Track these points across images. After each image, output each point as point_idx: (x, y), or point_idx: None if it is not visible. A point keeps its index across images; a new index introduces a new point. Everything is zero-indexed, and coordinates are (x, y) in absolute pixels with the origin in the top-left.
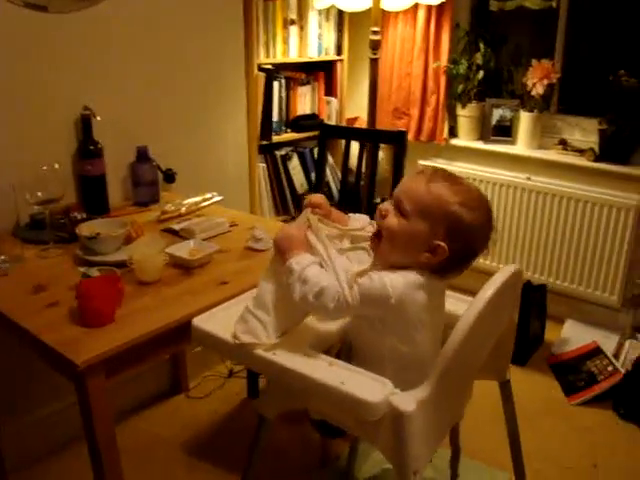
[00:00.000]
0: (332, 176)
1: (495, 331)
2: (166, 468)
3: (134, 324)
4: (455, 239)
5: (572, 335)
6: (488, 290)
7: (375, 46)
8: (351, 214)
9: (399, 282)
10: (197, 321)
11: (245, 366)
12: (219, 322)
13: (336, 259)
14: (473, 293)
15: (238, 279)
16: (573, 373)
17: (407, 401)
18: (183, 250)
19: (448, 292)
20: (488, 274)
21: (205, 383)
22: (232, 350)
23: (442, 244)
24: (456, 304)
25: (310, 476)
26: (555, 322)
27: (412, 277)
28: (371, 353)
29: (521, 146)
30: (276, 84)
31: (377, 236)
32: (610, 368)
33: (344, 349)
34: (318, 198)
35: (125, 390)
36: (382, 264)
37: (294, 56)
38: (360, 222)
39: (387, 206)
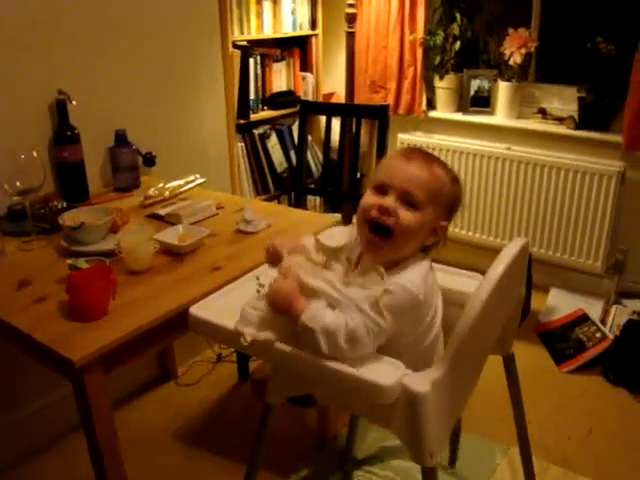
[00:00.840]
0: (311, 153)
1: (506, 307)
2: (162, 458)
3: (129, 316)
4: (451, 215)
5: (558, 303)
6: (499, 266)
7: (351, 19)
8: (314, 236)
9: (416, 278)
10: (194, 309)
11: (251, 354)
12: (217, 309)
13: (348, 290)
14: (466, 267)
15: (231, 264)
16: (562, 341)
17: (421, 382)
18: (172, 236)
19: (450, 269)
20: (473, 246)
21: (194, 369)
22: (234, 338)
23: (444, 223)
24: (460, 281)
25: (309, 457)
26: (540, 291)
27: (421, 268)
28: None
29: (500, 116)
30: (252, 61)
31: (381, 235)
32: (598, 334)
33: None
34: (277, 242)
35: (114, 380)
36: (386, 262)
37: (268, 32)
38: (336, 237)
39: (391, 202)
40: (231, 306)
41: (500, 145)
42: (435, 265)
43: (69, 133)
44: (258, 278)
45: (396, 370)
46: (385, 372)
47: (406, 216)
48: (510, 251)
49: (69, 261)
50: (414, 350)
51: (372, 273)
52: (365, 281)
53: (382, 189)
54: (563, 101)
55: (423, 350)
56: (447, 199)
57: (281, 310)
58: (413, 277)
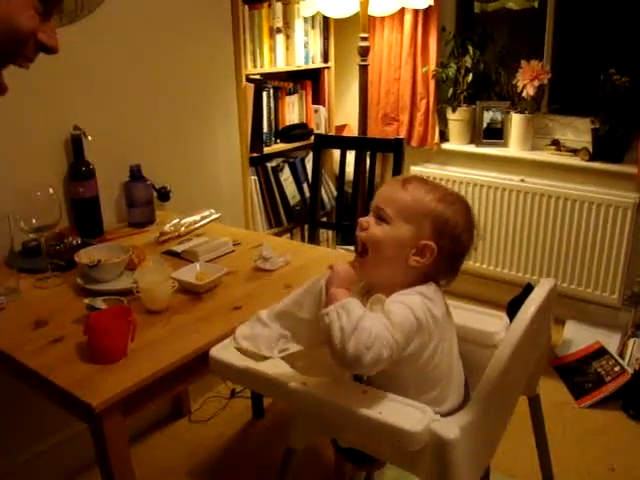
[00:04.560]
0: (324, 186)
1: (536, 349)
2: None
3: (148, 358)
4: (441, 235)
5: (574, 336)
6: (530, 307)
7: (364, 52)
8: None
9: (415, 299)
10: (215, 351)
11: (274, 398)
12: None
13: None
14: (482, 300)
15: (251, 303)
16: (579, 375)
17: (450, 427)
18: (190, 274)
19: (471, 307)
20: (488, 278)
21: (207, 405)
22: (257, 382)
23: (429, 243)
24: (484, 320)
25: None
26: (556, 324)
27: (421, 292)
28: (392, 383)
29: (513, 148)
30: (265, 94)
31: (362, 253)
32: (617, 368)
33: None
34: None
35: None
36: (374, 282)
37: (281, 65)
38: None
39: (367, 218)
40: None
41: (514, 177)
42: (456, 303)
43: (84, 168)
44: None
45: (423, 415)
46: (412, 417)
47: (374, 229)
48: (540, 292)
49: (86, 301)
50: (419, 383)
51: (373, 299)
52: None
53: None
54: (577, 132)
55: (429, 384)
56: (428, 216)
57: (333, 284)
58: (411, 298)
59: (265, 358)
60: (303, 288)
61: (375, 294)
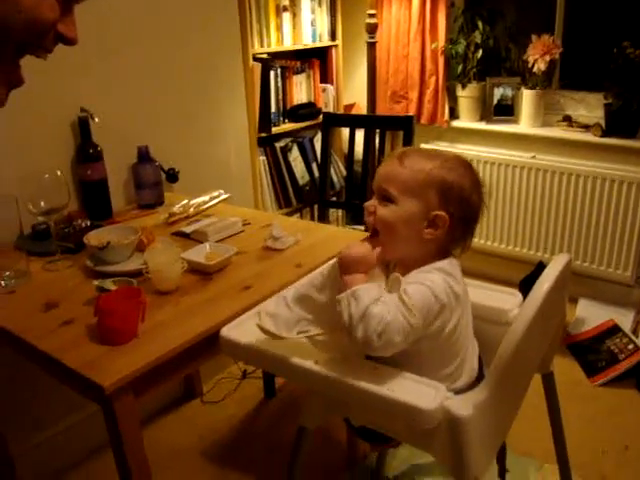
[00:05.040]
0: (333, 166)
1: (550, 325)
2: (190, 478)
3: (159, 339)
4: (449, 202)
5: (587, 314)
6: (544, 284)
7: (372, 29)
8: None
9: (435, 277)
10: (226, 331)
11: (284, 377)
12: (249, 330)
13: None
14: (494, 279)
15: (261, 282)
16: (593, 353)
17: (464, 405)
18: (199, 255)
19: (484, 284)
20: (499, 257)
21: (219, 386)
22: (267, 361)
23: (440, 212)
24: (497, 297)
25: (339, 477)
26: (569, 302)
27: (441, 269)
28: (407, 360)
29: (524, 125)
30: (272, 74)
31: (373, 234)
32: (631, 346)
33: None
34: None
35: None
36: (393, 260)
37: (288, 44)
38: None
39: (372, 202)
40: None
41: (525, 154)
42: (468, 281)
43: (92, 151)
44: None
45: (437, 393)
46: (426, 395)
47: (382, 211)
48: (555, 268)
49: (96, 282)
50: (435, 359)
51: (391, 279)
52: (389, 288)
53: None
54: (589, 108)
55: (445, 360)
56: (432, 186)
57: (346, 271)
58: (432, 277)
59: (282, 339)
60: (323, 272)
61: (393, 274)
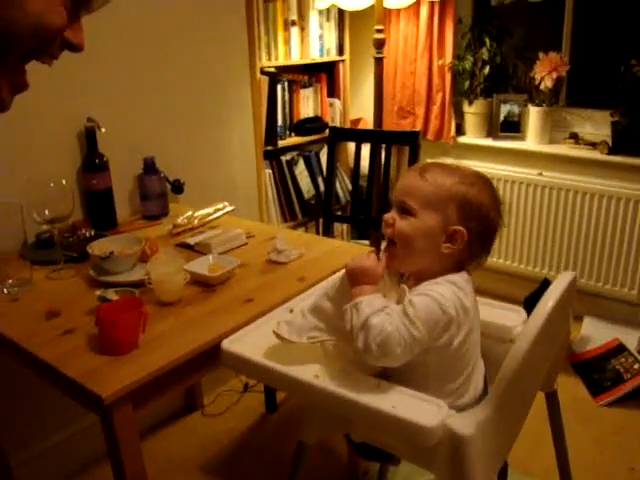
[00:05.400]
0: (339, 180)
1: (554, 343)
2: None
3: (160, 350)
4: (468, 218)
5: (592, 332)
6: (549, 302)
7: (379, 45)
8: None
9: (445, 290)
10: (227, 343)
11: (284, 391)
12: (250, 343)
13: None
14: (498, 296)
15: (263, 295)
16: (598, 372)
17: (466, 423)
18: (202, 266)
19: (491, 302)
20: (504, 273)
21: (220, 399)
22: (267, 374)
23: (459, 227)
24: (502, 314)
25: None
26: (573, 320)
27: (453, 282)
28: (413, 372)
29: (531, 141)
30: (279, 87)
31: (390, 245)
32: (636, 366)
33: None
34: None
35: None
36: (407, 272)
37: (296, 58)
38: None
39: (391, 214)
40: (264, 340)
41: (531, 171)
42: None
43: (98, 161)
44: (291, 311)
45: (438, 410)
46: (427, 412)
47: (401, 224)
48: (559, 285)
49: (98, 292)
50: (440, 375)
51: (399, 291)
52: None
53: (392, 206)
54: (596, 125)
55: (450, 376)
56: (452, 201)
57: (354, 282)
58: (441, 289)
59: (292, 343)
60: (335, 282)
61: (401, 285)
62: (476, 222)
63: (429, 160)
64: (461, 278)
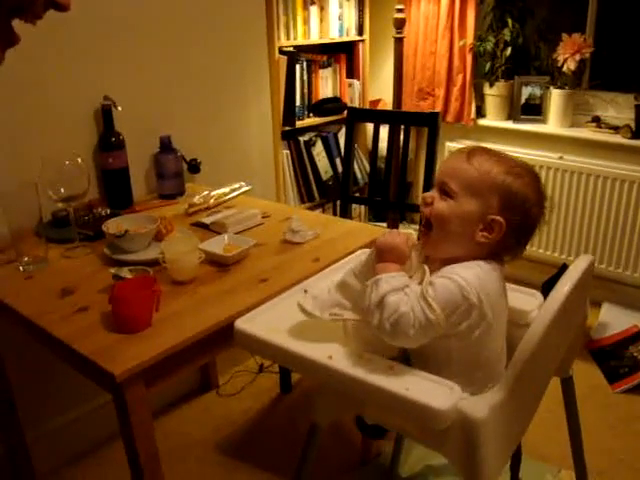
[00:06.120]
0: (357, 161)
1: (570, 328)
2: (203, 471)
3: (173, 328)
4: (509, 210)
5: (610, 319)
6: (565, 285)
7: (400, 25)
8: None
9: (469, 274)
10: (240, 323)
11: (297, 372)
12: (264, 323)
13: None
14: (516, 281)
15: (278, 275)
16: (615, 359)
17: (479, 407)
18: (217, 246)
19: (506, 285)
20: (523, 258)
21: (235, 379)
22: (281, 355)
23: (498, 218)
24: (518, 297)
25: (352, 474)
26: (592, 306)
27: (478, 266)
28: (435, 357)
29: (552, 125)
30: (298, 67)
31: (426, 227)
32: None
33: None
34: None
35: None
36: (437, 258)
37: (315, 37)
38: None
39: (431, 193)
40: (278, 320)
41: (552, 155)
42: None
43: (114, 139)
44: (306, 291)
45: (451, 393)
46: (440, 395)
47: (439, 205)
48: (576, 269)
49: (112, 270)
50: (463, 362)
51: (420, 271)
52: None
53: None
54: (619, 109)
55: (474, 364)
56: (496, 190)
57: (380, 259)
58: (465, 273)
59: (314, 317)
60: (362, 259)
61: (423, 265)
62: (517, 215)
63: (449, 143)
64: (489, 265)
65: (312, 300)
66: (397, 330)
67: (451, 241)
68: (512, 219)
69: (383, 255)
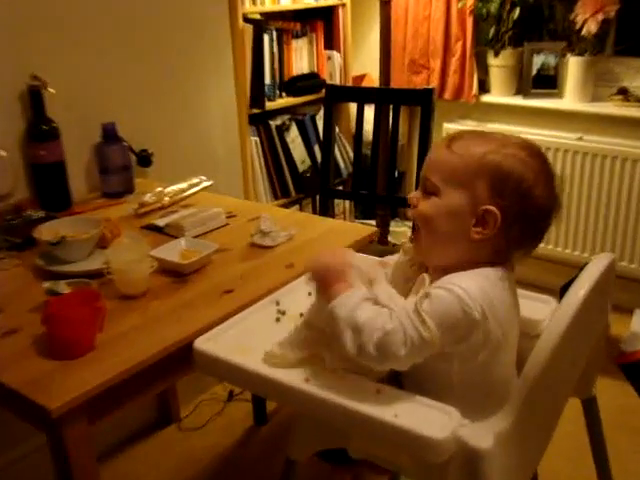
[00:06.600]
0: (339, 148)
1: (589, 340)
2: None
3: (121, 352)
4: (502, 195)
5: None
6: (581, 289)
7: None
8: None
9: (470, 285)
10: (200, 343)
11: (268, 398)
12: (228, 342)
13: (394, 294)
14: (531, 285)
15: (245, 285)
16: None
17: (482, 435)
18: (173, 252)
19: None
20: (538, 258)
21: (200, 410)
22: (248, 379)
23: (489, 207)
24: (529, 305)
25: None
26: (622, 314)
27: (483, 274)
28: (434, 380)
29: (570, 99)
30: (266, 38)
31: (416, 231)
32: None
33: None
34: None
35: (103, 425)
36: (435, 265)
37: (286, 2)
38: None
39: (415, 193)
40: (245, 338)
41: (570, 135)
42: None
43: (46, 127)
44: (278, 303)
45: (449, 419)
46: (435, 421)
47: (422, 205)
48: (593, 271)
49: (46, 284)
50: (464, 384)
51: (417, 281)
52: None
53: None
54: None
55: (476, 385)
56: (482, 175)
57: (320, 284)
58: (465, 283)
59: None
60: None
61: (422, 275)
62: (513, 200)
63: (447, 125)
64: (495, 273)
65: (278, 347)
66: (385, 352)
67: (443, 243)
68: (508, 206)
69: (321, 282)
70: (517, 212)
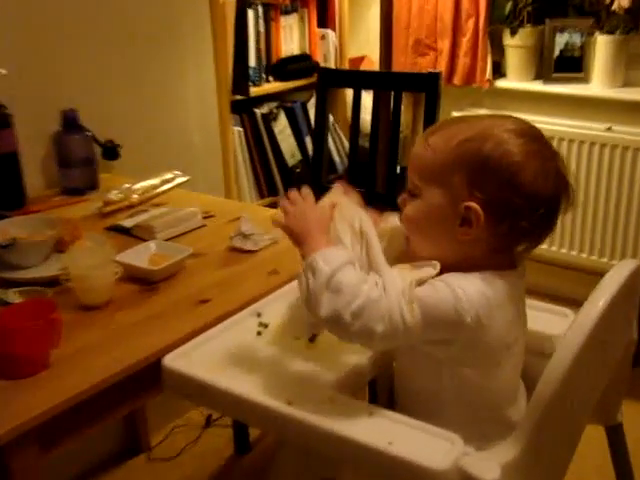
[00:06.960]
0: (333, 140)
1: (610, 357)
2: None
3: (79, 370)
4: (481, 186)
5: None
6: (600, 300)
7: None
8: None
9: (472, 289)
10: (170, 360)
11: (248, 423)
12: (202, 359)
13: (383, 264)
14: (552, 296)
15: (223, 295)
16: None
17: (488, 465)
18: (141, 257)
19: (529, 302)
20: (560, 266)
21: (174, 437)
22: (224, 401)
23: (469, 203)
24: (544, 318)
25: None
26: None
27: (486, 280)
28: (425, 391)
29: (597, 84)
30: (251, 14)
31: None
32: None
33: (381, 387)
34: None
35: (57, 457)
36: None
37: None
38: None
39: (402, 196)
40: (222, 355)
41: (597, 125)
42: None
43: None
44: (259, 315)
45: (451, 447)
46: (435, 450)
47: (407, 209)
48: (615, 279)
49: None
50: (460, 400)
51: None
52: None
53: None
54: None
55: (475, 401)
56: (458, 167)
57: (296, 237)
58: (468, 288)
59: None
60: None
61: (433, 262)
62: (495, 188)
63: (456, 114)
64: (501, 279)
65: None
66: (361, 323)
67: (432, 247)
68: (490, 199)
69: (299, 230)
70: (502, 204)
